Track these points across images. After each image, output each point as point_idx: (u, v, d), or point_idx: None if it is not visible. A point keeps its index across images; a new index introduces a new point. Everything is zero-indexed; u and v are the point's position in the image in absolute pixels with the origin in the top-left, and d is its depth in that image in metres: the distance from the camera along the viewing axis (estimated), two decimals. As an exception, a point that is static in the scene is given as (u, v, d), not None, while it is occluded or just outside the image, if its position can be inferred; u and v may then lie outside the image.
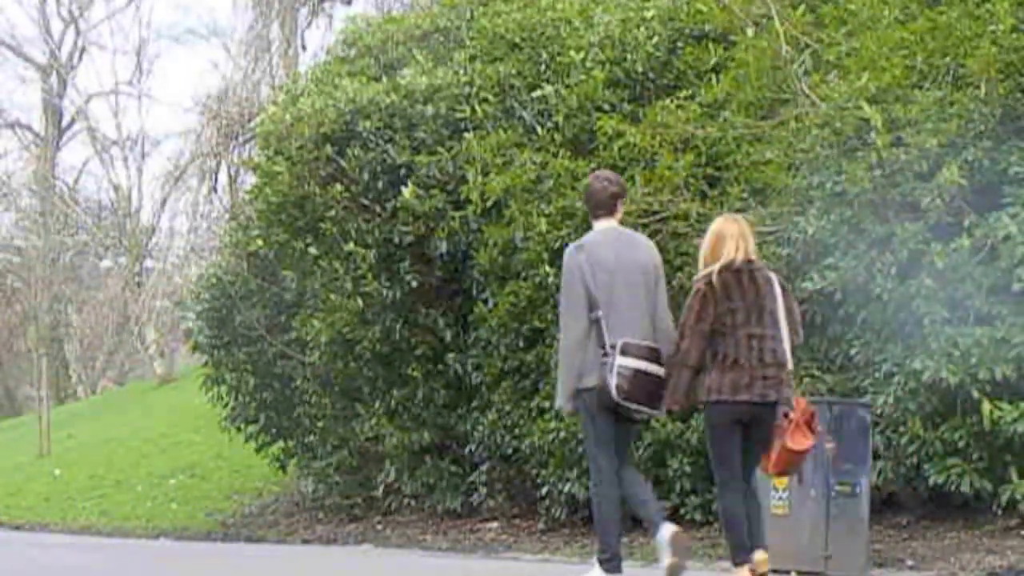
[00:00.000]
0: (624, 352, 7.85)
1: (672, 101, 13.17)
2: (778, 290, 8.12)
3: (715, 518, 11.87)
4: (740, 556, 7.95)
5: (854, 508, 9.71)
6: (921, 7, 12.22)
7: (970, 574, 9.19)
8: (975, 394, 10.05)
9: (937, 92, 11.23)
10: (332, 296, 14.63)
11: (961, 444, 10.23)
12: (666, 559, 7.80)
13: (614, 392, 7.79)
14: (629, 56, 14.20)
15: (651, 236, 12.11)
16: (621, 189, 8.59)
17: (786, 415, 7.98)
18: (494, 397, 13.92)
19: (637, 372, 7.86)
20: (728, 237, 8.11)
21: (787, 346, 8.02)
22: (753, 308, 7.97)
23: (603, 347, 7.89)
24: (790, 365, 8.10)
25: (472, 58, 15.31)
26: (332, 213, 14.67)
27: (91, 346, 45.06)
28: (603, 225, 8.34)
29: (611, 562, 8.01)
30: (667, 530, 7.84)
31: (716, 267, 8.03)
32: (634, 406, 7.93)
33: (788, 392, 8.04)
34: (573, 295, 8.12)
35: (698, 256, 8.45)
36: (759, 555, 7.87)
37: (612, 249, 8.15)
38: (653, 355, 8.00)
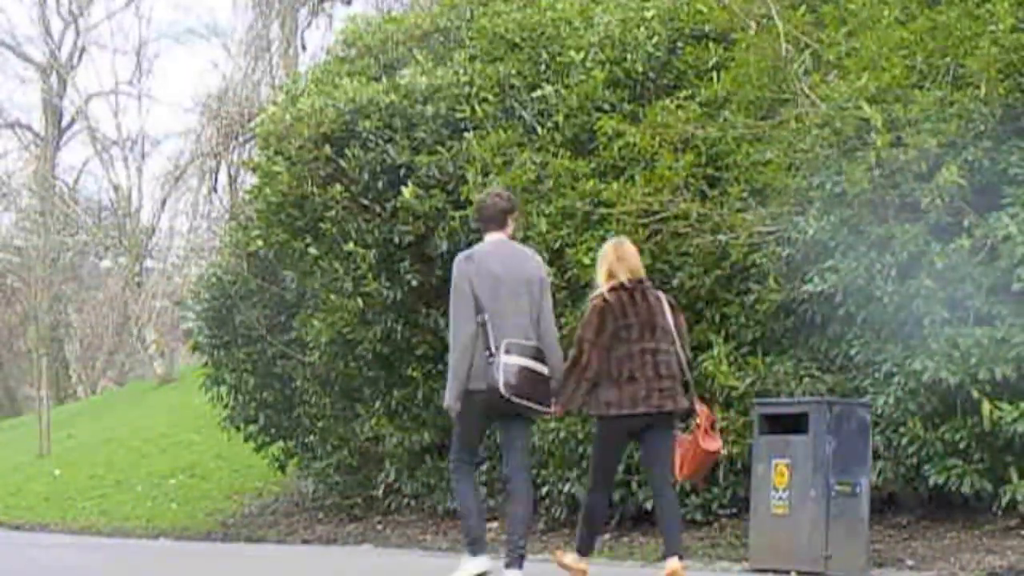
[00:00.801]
0: (508, 351, 8.17)
1: (672, 101, 13.18)
2: (667, 307, 8.57)
3: (715, 518, 11.91)
4: (585, 543, 8.70)
5: (854, 508, 9.72)
6: (921, 7, 12.22)
7: (970, 574, 9.20)
8: (975, 394, 10.06)
9: (937, 92, 11.24)
10: (332, 296, 14.64)
11: (961, 444, 10.24)
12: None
13: (503, 389, 8.09)
14: (629, 56, 14.21)
15: (651, 236, 12.21)
16: (512, 205, 8.95)
17: (691, 417, 8.64)
18: (494, 397, 13.92)
19: (522, 369, 8.19)
20: (619, 258, 8.61)
21: (682, 358, 8.48)
22: (646, 324, 8.40)
23: (488, 349, 8.20)
24: (688, 376, 8.54)
25: (472, 58, 15.32)
26: (332, 213, 14.68)
27: (91, 346, 45.05)
28: (493, 238, 8.69)
29: (475, 545, 8.42)
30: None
31: (610, 286, 8.49)
32: (522, 401, 8.19)
33: (684, 401, 8.45)
34: (462, 301, 8.42)
35: (597, 271, 8.85)
36: (673, 562, 8.16)
37: (500, 260, 8.49)
38: (538, 354, 8.32)
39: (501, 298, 8.33)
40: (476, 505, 8.60)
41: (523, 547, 8.33)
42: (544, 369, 8.32)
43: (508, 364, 8.15)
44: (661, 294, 8.71)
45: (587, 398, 8.48)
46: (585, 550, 8.69)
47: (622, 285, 8.47)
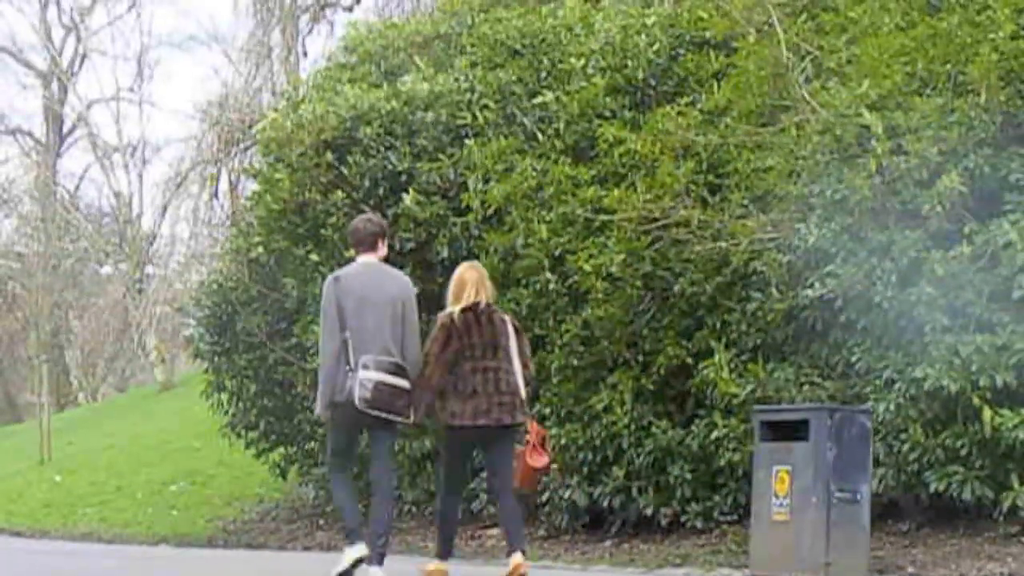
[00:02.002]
0: (366, 367, 8.87)
1: (673, 108, 13.19)
2: (511, 330, 9.38)
3: (715, 525, 11.92)
4: (443, 548, 9.58)
5: (855, 515, 9.72)
6: (921, 14, 12.23)
7: (971, 581, 9.22)
8: (976, 401, 10.06)
9: (938, 99, 11.25)
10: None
11: (962, 451, 10.24)
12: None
13: (358, 402, 8.82)
14: (630, 63, 14.23)
15: (652, 243, 12.21)
16: (382, 229, 9.70)
17: (525, 432, 9.42)
18: (495, 404, 13.93)
19: (378, 383, 8.89)
20: (469, 282, 9.38)
21: (519, 378, 9.25)
22: (489, 345, 9.20)
23: (348, 364, 8.92)
24: (522, 393, 9.29)
25: (473, 65, 15.34)
26: (333, 220, 14.68)
27: (92, 352, 45.11)
28: (363, 259, 9.40)
29: (351, 535, 9.14)
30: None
31: (458, 307, 9.27)
32: (378, 413, 8.93)
33: (521, 416, 9.27)
34: (328, 319, 9.13)
35: (448, 293, 9.61)
36: (518, 556, 8.99)
37: (366, 281, 9.18)
38: (397, 369, 9.03)
39: (365, 316, 8.99)
40: (350, 502, 9.32)
41: (383, 546, 9.18)
42: (402, 383, 9.04)
43: (365, 379, 8.85)
44: (507, 317, 9.56)
45: (435, 408, 9.30)
46: (445, 554, 9.54)
47: (469, 307, 9.25)
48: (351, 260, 14.21)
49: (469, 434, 9.24)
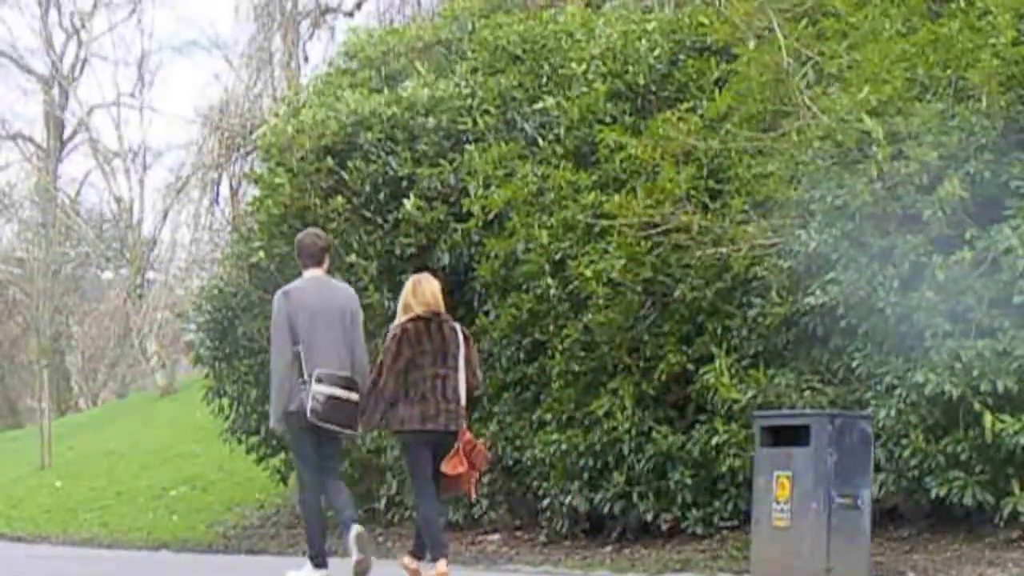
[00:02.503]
0: (319, 380, 9.11)
1: (674, 114, 13.18)
2: (461, 339, 9.64)
3: (716, 531, 11.92)
4: (418, 545, 9.77)
5: (856, 521, 9.72)
6: (922, 20, 12.24)
7: (972, 587, 9.22)
8: (977, 407, 10.06)
9: (938, 105, 11.25)
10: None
11: (963, 456, 10.24)
12: (353, 556, 9.04)
13: (309, 414, 9.07)
14: (631, 68, 14.24)
15: (652, 248, 12.22)
16: (327, 244, 10.06)
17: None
18: (495, 409, 13.96)
19: (330, 398, 9.14)
20: (415, 294, 9.64)
21: (463, 386, 9.54)
22: (439, 352, 9.47)
23: (301, 376, 9.18)
24: (463, 401, 9.60)
25: (473, 70, 15.36)
26: (334, 225, 14.68)
27: (92, 358, 45.07)
28: (310, 274, 9.68)
29: (318, 559, 9.39)
30: (354, 531, 9.12)
31: (408, 317, 9.54)
32: (328, 426, 9.20)
33: (462, 423, 9.58)
34: (280, 333, 9.41)
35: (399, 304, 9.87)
36: (442, 565, 9.36)
37: (315, 294, 9.43)
38: (348, 383, 9.30)
39: (317, 329, 9.27)
40: (319, 514, 9.74)
41: (354, 514, 9.48)
42: (353, 396, 9.32)
43: (317, 392, 9.12)
44: (457, 326, 9.77)
45: (386, 415, 9.57)
46: (420, 552, 9.82)
47: (419, 316, 9.52)
48: (351, 266, 14.41)
49: (421, 437, 9.49)
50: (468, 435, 9.72)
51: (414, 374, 9.41)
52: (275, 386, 9.55)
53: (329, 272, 9.97)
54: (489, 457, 10.16)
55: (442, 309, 9.72)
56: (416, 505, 9.97)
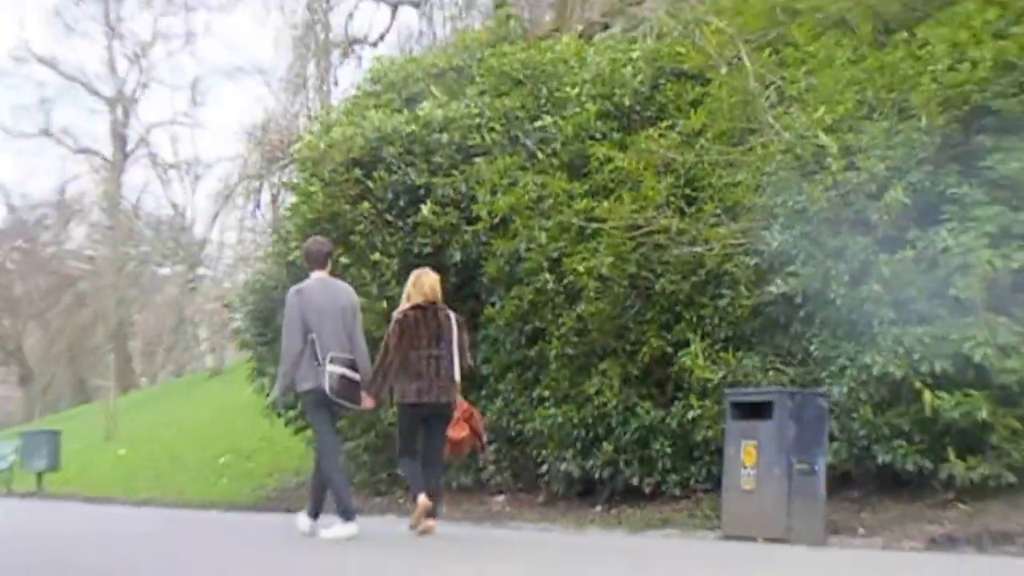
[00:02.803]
0: (332, 362, 9.30)
1: (655, 131, 13.22)
2: (455, 325, 9.73)
3: (692, 493, 11.92)
4: (415, 491, 9.67)
5: (813, 484, 9.71)
6: (870, 49, 12.23)
7: (913, 541, 9.20)
8: (917, 385, 10.04)
9: (884, 123, 11.24)
10: (361, 299, 14.65)
11: (906, 428, 10.23)
12: (331, 535, 9.29)
13: (328, 391, 9.24)
14: (618, 91, 14.24)
15: (637, 247, 12.23)
16: (330, 250, 10.32)
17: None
18: (500, 387, 13.97)
19: (341, 377, 9.33)
20: (416, 286, 9.78)
21: (456, 366, 9.61)
22: (433, 337, 9.58)
23: (317, 360, 9.30)
24: (457, 378, 9.65)
25: (481, 93, 15.37)
26: (360, 227, 14.72)
27: (151, 342, 45.24)
28: (317, 275, 9.84)
29: (348, 513, 9.35)
30: (349, 528, 9.27)
31: (409, 306, 9.68)
32: (341, 401, 9.39)
33: (455, 396, 9.67)
34: (292, 325, 9.50)
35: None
36: (423, 497, 9.43)
37: (321, 293, 9.60)
38: (351, 364, 9.45)
39: (324, 322, 9.40)
40: (343, 476, 9.81)
41: (319, 510, 9.80)
42: (356, 376, 9.47)
43: (332, 372, 9.27)
44: (452, 313, 9.83)
45: (386, 388, 9.71)
46: (417, 491, 9.68)
47: (418, 306, 9.64)
48: (376, 264, 14.43)
49: (416, 410, 9.62)
50: (465, 404, 9.89)
51: (412, 355, 9.52)
52: (284, 369, 9.66)
53: (332, 273, 10.13)
54: (486, 422, 10.30)
55: (439, 299, 9.78)
56: (400, 464, 10.15)
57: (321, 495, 9.94)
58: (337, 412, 9.74)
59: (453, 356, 9.62)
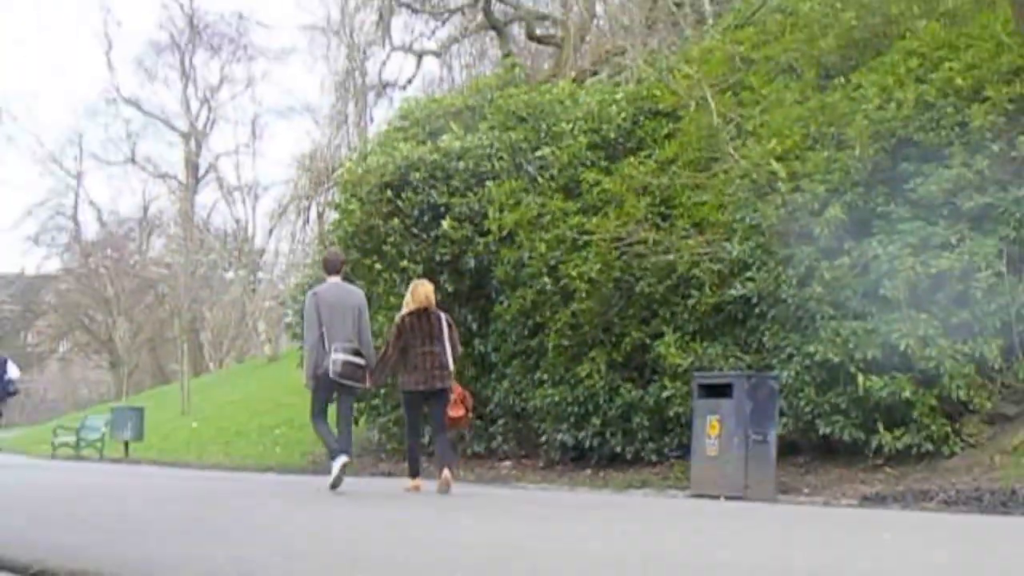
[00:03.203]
0: (337, 350, 9.42)
1: (636, 159, 13.26)
2: (445, 325, 9.71)
3: (666, 458, 11.91)
4: (412, 471, 9.88)
5: (766, 451, 9.73)
6: (814, 91, 12.27)
7: (849, 499, 9.21)
8: (853, 370, 10.07)
9: (825, 153, 11.28)
10: (391, 298, 14.66)
11: (843, 406, 10.25)
12: (331, 480, 9.40)
13: (332, 373, 9.37)
14: (604, 126, 14.28)
15: (620, 256, 12.24)
16: (343, 259, 10.49)
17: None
18: (508, 371, 13.98)
19: (345, 362, 9.45)
20: (412, 294, 9.79)
21: (450, 357, 9.63)
22: (427, 335, 9.60)
23: (326, 348, 9.44)
24: (451, 368, 9.67)
25: (491, 128, 15.39)
26: (391, 239, 14.73)
27: (219, 334, 45.20)
28: (332, 280, 9.86)
29: (334, 453, 9.48)
30: (339, 460, 9.35)
31: (407, 311, 9.71)
32: (345, 381, 9.49)
33: (449, 383, 9.68)
34: (311, 319, 9.63)
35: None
36: (446, 472, 9.42)
37: (334, 294, 9.69)
38: (355, 352, 9.56)
39: (335, 318, 9.53)
40: (330, 435, 9.67)
41: (349, 449, 9.69)
42: (360, 361, 9.59)
43: (336, 358, 9.39)
44: (443, 315, 9.80)
45: (391, 379, 10.04)
46: (415, 474, 9.87)
47: (414, 310, 9.66)
48: (404, 269, 14.45)
49: (416, 396, 9.68)
50: (459, 388, 9.96)
51: (410, 351, 9.57)
52: (306, 356, 9.83)
53: (345, 278, 10.25)
54: (472, 404, 10.30)
55: (432, 304, 9.76)
56: (407, 441, 10.21)
57: (338, 440, 9.90)
58: (342, 391, 9.73)
59: (446, 350, 9.63)
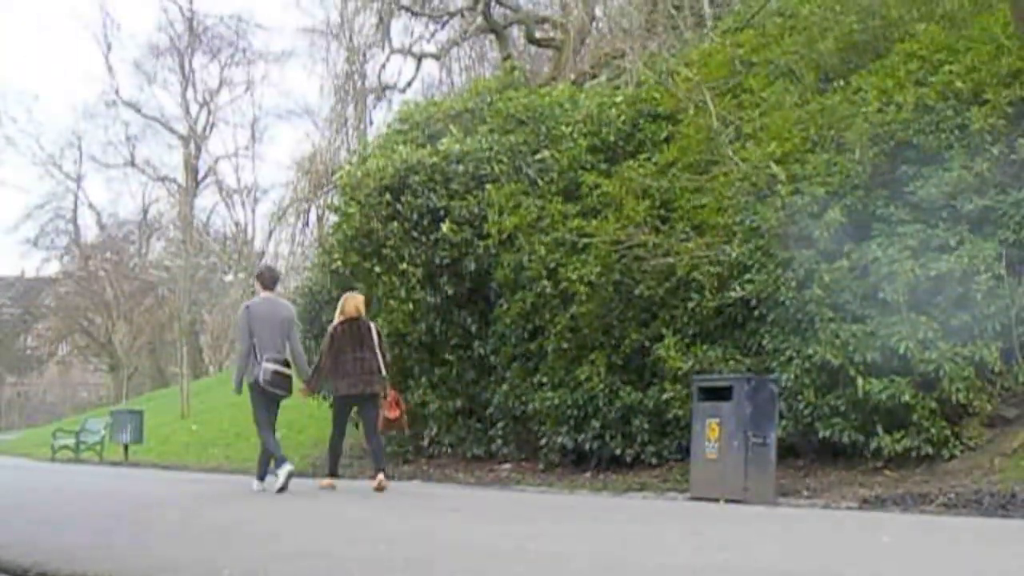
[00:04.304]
0: (267, 360, 9.99)
1: (635, 162, 13.26)
2: (374, 334, 10.32)
3: (666, 461, 11.90)
4: (331, 470, 10.62)
5: (765, 454, 9.71)
6: (813, 94, 12.27)
7: (848, 501, 9.21)
8: (852, 372, 10.07)
9: (824, 155, 11.28)
10: (391, 301, 14.68)
11: (842, 408, 10.25)
12: (277, 485, 9.75)
13: (262, 382, 9.96)
14: (604, 129, 14.28)
15: (620, 259, 12.24)
16: (277, 275, 11.14)
17: (386, 397, 10.41)
18: (507, 374, 13.98)
19: (274, 371, 10.02)
20: (343, 305, 10.41)
21: (379, 363, 10.22)
22: (357, 343, 10.20)
23: (256, 357, 10.00)
24: (380, 372, 10.25)
25: (491, 131, 15.37)
26: (391, 242, 14.71)
27: (218, 337, 45.17)
28: (264, 295, 10.42)
29: (281, 462, 9.90)
30: (288, 466, 9.85)
31: (338, 320, 10.28)
32: (273, 390, 10.05)
33: (380, 387, 10.29)
34: (243, 331, 10.21)
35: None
36: (380, 476, 10.12)
37: (266, 308, 10.24)
38: (284, 363, 10.14)
39: (265, 329, 10.07)
40: (274, 444, 10.19)
41: (265, 474, 10.29)
42: (288, 371, 10.14)
43: (266, 367, 9.97)
44: (372, 325, 10.47)
45: (325, 384, 10.46)
46: (333, 473, 10.61)
47: (345, 320, 10.25)
48: (403, 272, 14.44)
49: (347, 399, 10.32)
50: (392, 392, 10.56)
51: (341, 358, 10.14)
52: (238, 364, 10.42)
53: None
54: (404, 407, 10.90)
55: (362, 315, 10.37)
56: (332, 440, 10.62)
57: (266, 463, 10.47)
58: (273, 398, 10.22)
59: (376, 356, 10.20)
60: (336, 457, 10.70)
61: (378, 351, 10.23)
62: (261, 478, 10.49)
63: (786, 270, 10.86)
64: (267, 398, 10.15)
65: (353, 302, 10.42)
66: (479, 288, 14.54)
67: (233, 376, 10.51)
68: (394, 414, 10.48)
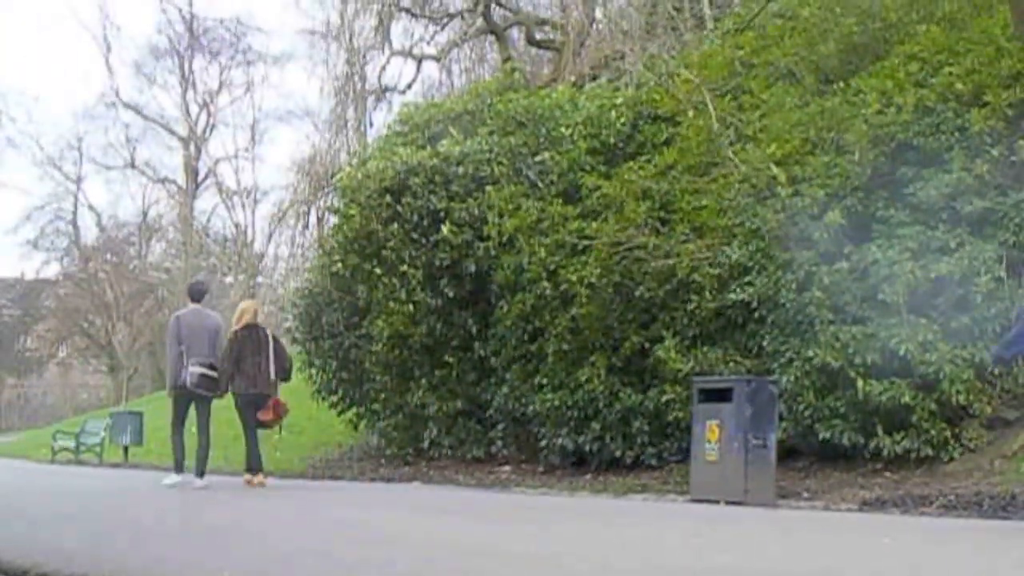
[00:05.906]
0: (194, 364, 10.91)
1: (635, 163, 13.25)
2: (271, 340, 11.19)
3: (666, 462, 11.91)
4: (250, 466, 11.52)
5: (765, 456, 9.73)
6: (813, 96, 12.28)
7: (849, 503, 9.21)
8: (852, 374, 10.08)
9: (824, 157, 11.29)
10: (391, 303, 14.69)
11: (842, 410, 10.26)
12: (166, 482, 11.14)
13: (189, 384, 10.91)
14: (604, 131, 14.28)
15: (620, 261, 12.25)
16: (206, 288, 12.27)
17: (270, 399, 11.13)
18: (507, 376, 13.97)
19: (201, 375, 10.95)
20: (247, 310, 11.34)
21: (273, 368, 11.05)
22: (257, 348, 11.01)
23: (184, 363, 10.94)
24: (273, 377, 11.09)
25: (491, 132, 15.39)
26: (391, 244, 14.72)
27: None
28: (193, 306, 11.41)
29: (179, 467, 11.45)
30: (201, 482, 11.01)
31: (238, 326, 11.05)
32: (200, 391, 11.00)
33: (272, 390, 11.14)
34: (172, 339, 11.15)
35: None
36: (260, 475, 11.42)
37: (194, 318, 11.21)
38: (210, 367, 11.01)
39: (194, 338, 11.00)
40: (182, 449, 11.48)
41: (204, 471, 11.30)
42: (213, 374, 11.00)
43: (192, 371, 10.90)
44: (268, 331, 11.33)
45: (230, 384, 10.98)
46: (250, 469, 11.49)
47: (244, 326, 11.03)
48: (403, 274, 14.44)
49: (247, 398, 11.05)
50: (277, 397, 11.23)
51: (243, 362, 10.94)
52: (169, 370, 11.27)
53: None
54: (288, 410, 11.54)
55: (258, 322, 11.18)
56: (244, 435, 11.39)
57: (182, 456, 11.58)
58: (199, 401, 11.15)
59: (270, 362, 11.03)
60: (254, 454, 11.43)
61: (272, 357, 11.04)
62: (179, 469, 11.47)
63: (786, 272, 10.87)
64: (190, 400, 11.10)
65: (250, 309, 11.37)
66: (479, 290, 14.54)
67: (167, 381, 11.34)
68: (266, 416, 11.20)
